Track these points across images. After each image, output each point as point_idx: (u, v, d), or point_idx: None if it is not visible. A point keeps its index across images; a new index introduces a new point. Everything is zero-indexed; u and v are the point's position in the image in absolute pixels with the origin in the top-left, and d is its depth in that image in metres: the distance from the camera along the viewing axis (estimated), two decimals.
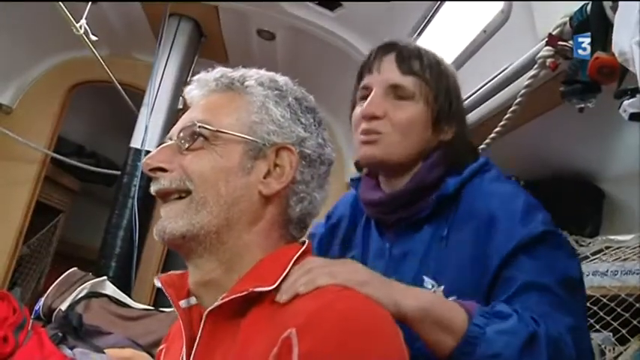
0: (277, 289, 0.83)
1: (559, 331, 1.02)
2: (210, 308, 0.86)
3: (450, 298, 1.08)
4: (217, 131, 0.90)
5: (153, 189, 0.92)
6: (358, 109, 1.31)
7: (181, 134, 0.92)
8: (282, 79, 0.99)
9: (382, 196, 1.32)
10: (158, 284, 0.97)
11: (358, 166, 1.43)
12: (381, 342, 0.76)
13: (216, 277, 0.90)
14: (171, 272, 0.99)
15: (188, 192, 0.89)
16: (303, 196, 0.95)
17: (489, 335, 0.96)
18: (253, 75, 0.97)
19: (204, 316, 0.87)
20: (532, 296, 1.07)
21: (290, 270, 0.87)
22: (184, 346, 0.90)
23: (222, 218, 0.88)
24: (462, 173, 1.25)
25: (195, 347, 0.88)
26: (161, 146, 0.94)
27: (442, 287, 1.16)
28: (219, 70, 0.98)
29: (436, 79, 1.28)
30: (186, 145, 0.91)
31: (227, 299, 0.84)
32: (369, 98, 1.28)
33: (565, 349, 1.01)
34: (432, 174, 1.26)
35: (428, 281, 1.19)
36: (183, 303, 0.95)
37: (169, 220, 0.89)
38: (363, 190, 1.38)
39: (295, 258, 0.89)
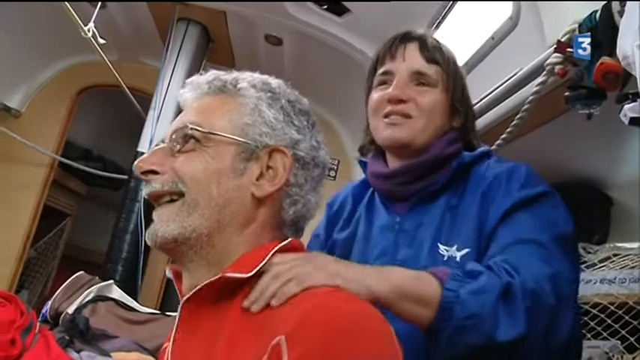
0: (253, 277, 0.84)
1: (536, 280, 1.02)
2: (187, 296, 0.86)
3: (462, 252, 1.18)
4: (209, 133, 0.90)
5: (145, 192, 0.92)
6: (376, 94, 1.36)
7: (173, 137, 0.92)
8: (275, 82, 0.99)
9: (399, 166, 1.35)
10: (169, 274, 0.97)
11: (362, 151, 1.48)
12: (371, 342, 0.75)
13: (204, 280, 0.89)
14: None
15: (180, 194, 0.88)
16: (296, 198, 0.94)
17: (463, 297, 0.97)
18: (246, 77, 0.97)
19: (180, 304, 0.88)
20: (519, 249, 1.10)
21: (268, 260, 0.87)
22: (172, 338, 0.91)
23: (214, 220, 0.88)
24: (473, 150, 1.33)
25: (173, 334, 0.89)
26: (153, 149, 0.94)
27: (455, 246, 1.20)
28: (212, 73, 0.98)
29: (453, 70, 1.35)
30: (178, 147, 0.90)
31: (200, 285, 0.84)
32: (394, 82, 1.32)
33: (543, 297, 1.01)
34: (450, 148, 1.31)
35: (442, 248, 1.22)
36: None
37: (161, 223, 0.89)
38: (373, 166, 1.41)
39: (275, 250, 0.89)
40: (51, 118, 4.29)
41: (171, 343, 0.91)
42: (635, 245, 2.12)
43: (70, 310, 2.43)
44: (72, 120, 4.44)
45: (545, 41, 1.75)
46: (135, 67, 4.30)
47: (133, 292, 3.04)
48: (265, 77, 0.99)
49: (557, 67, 1.52)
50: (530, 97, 1.65)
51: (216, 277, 0.83)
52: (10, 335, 1.85)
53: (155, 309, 2.95)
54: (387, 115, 1.32)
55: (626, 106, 1.17)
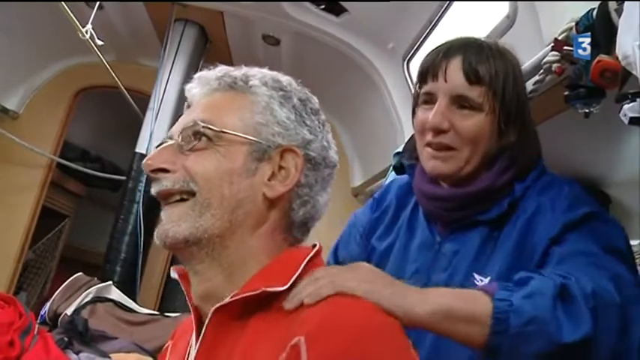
0: (289, 289, 0.82)
1: (595, 280, 0.98)
2: (217, 305, 0.83)
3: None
4: (221, 132, 0.88)
5: (154, 190, 0.90)
6: (421, 114, 1.29)
7: (183, 134, 0.89)
8: (285, 79, 0.97)
9: (448, 192, 1.29)
10: (174, 275, 0.96)
11: (406, 155, 1.43)
12: (388, 350, 0.75)
13: (216, 284, 0.87)
14: None
15: (192, 193, 0.86)
16: (306, 199, 0.92)
17: (517, 303, 0.93)
18: (256, 74, 0.95)
19: (210, 314, 0.84)
20: (571, 261, 1.06)
21: (302, 272, 0.85)
22: (194, 342, 0.88)
23: (226, 221, 0.86)
24: (525, 178, 1.25)
25: (198, 344, 0.86)
26: (161, 146, 0.91)
27: (488, 278, 1.17)
28: (222, 69, 0.96)
29: (503, 83, 1.24)
30: (189, 146, 0.88)
31: (238, 297, 0.81)
32: (434, 108, 1.24)
33: (605, 295, 0.96)
34: (503, 178, 1.25)
35: (478, 278, 1.19)
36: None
37: (172, 223, 0.87)
38: (421, 182, 1.35)
39: (307, 260, 0.88)
40: (49, 119, 4.29)
41: (195, 350, 0.87)
42: (633, 243, 2.12)
43: (69, 311, 2.43)
44: (70, 121, 4.44)
45: (542, 40, 1.75)
46: (132, 67, 4.30)
47: (131, 294, 3.05)
48: (275, 74, 0.97)
49: (554, 66, 1.51)
50: (528, 96, 1.65)
51: (258, 290, 0.80)
52: (9, 337, 1.85)
53: (154, 310, 2.95)
54: (429, 144, 1.26)
55: (626, 106, 1.16)
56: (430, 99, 1.27)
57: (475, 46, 1.27)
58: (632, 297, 1.00)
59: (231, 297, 0.82)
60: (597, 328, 0.93)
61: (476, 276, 1.19)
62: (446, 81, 1.24)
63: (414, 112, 1.34)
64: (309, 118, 0.94)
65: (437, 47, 1.32)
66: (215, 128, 0.88)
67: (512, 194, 1.24)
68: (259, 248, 0.89)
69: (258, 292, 0.80)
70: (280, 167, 0.90)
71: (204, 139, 0.88)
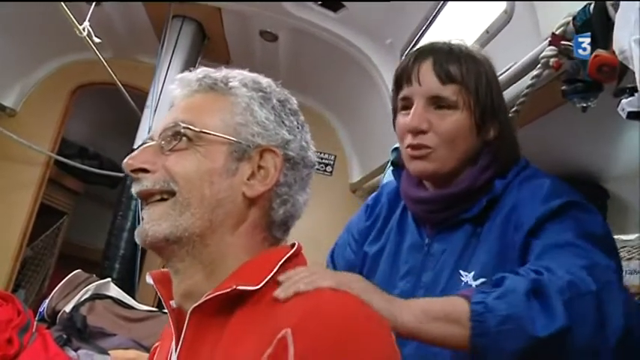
0: (261, 289, 0.83)
1: (570, 271, 0.99)
2: (193, 306, 0.84)
3: (478, 281, 1.17)
4: (202, 132, 0.89)
5: (134, 189, 0.91)
6: (401, 119, 1.32)
7: (163, 134, 0.91)
8: (265, 81, 0.98)
9: (431, 194, 1.34)
10: (150, 281, 0.96)
11: (396, 166, 1.47)
12: (375, 342, 0.76)
13: (197, 282, 0.89)
14: (165, 269, 0.98)
15: (172, 193, 0.87)
16: (285, 198, 0.93)
17: (491, 304, 0.96)
18: (237, 76, 0.96)
19: (187, 315, 0.86)
20: (550, 253, 1.08)
21: (277, 272, 0.86)
22: (174, 346, 0.89)
23: (206, 220, 0.87)
24: (506, 175, 1.29)
25: (180, 346, 0.87)
26: (142, 146, 0.92)
27: (472, 273, 1.21)
28: (202, 70, 0.97)
29: (475, 81, 1.28)
30: (170, 146, 0.89)
31: (210, 296, 0.82)
32: (411, 111, 1.28)
33: (580, 285, 0.98)
34: (483, 177, 1.29)
35: (463, 274, 1.22)
36: (173, 303, 0.94)
37: (152, 222, 0.88)
38: (407, 186, 1.40)
39: (283, 260, 0.88)
40: (46, 116, 4.29)
41: (176, 351, 0.88)
42: (631, 237, 2.12)
43: (68, 308, 2.43)
44: (68, 118, 4.44)
45: (539, 35, 1.75)
46: (130, 64, 4.30)
47: (130, 290, 3.05)
48: (255, 76, 0.98)
49: (551, 60, 1.51)
50: (525, 91, 1.65)
51: (228, 289, 0.81)
52: (7, 334, 1.85)
53: (153, 306, 2.95)
54: (409, 146, 1.30)
55: (624, 101, 1.17)
56: (408, 104, 1.31)
57: (445, 49, 1.32)
58: (608, 283, 1.01)
59: (206, 296, 0.83)
60: (573, 319, 0.95)
61: (461, 272, 1.23)
62: (420, 84, 1.28)
63: (394, 119, 1.38)
64: (288, 119, 0.95)
65: (407, 54, 1.39)
66: (195, 129, 0.89)
67: (492, 191, 1.27)
68: (239, 247, 0.90)
69: (229, 290, 0.81)
70: (260, 167, 0.91)
71: (184, 139, 0.89)
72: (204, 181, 0.87)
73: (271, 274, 0.85)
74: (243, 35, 3.79)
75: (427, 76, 1.28)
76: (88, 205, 5.73)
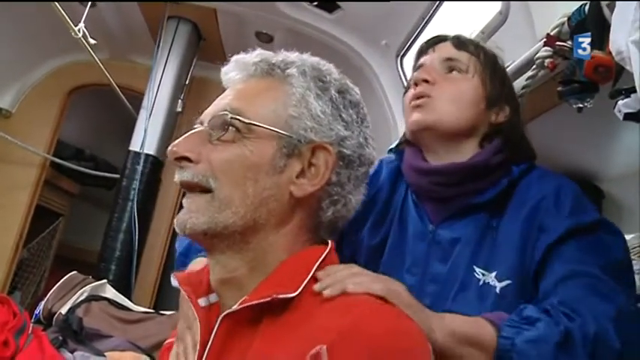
0: (300, 295, 0.79)
1: (598, 322, 0.97)
2: (226, 312, 0.80)
3: (504, 283, 1.10)
4: (251, 124, 0.84)
5: (177, 177, 0.86)
6: (410, 91, 1.29)
7: (212, 122, 0.86)
8: (326, 68, 0.92)
9: (443, 165, 1.24)
10: (175, 283, 0.92)
11: (397, 148, 1.39)
12: (412, 358, 0.73)
13: (238, 275, 0.85)
14: (189, 270, 0.95)
15: (210, 190, 0.83)
16: (337, 198, 0.88)
17: (520, 346, 0.93)
18: (296, 61, 0.91)
19: (219, 320, 0.81)
20: (571, 285, 1.04)
21: (313, 274, 0.82)
22: (199, 346, 0.84)
23: (249, 219, 0.82)
24: (519, 164, 1.23)
25: (207, 350, 0.82)
26: (189, 132, 0.87)
27: (494, 273, 1.13)
28: (260, 54, 0.92)
29: (491, 60, 1.30)
30: (217, 136, 0.84)
31: (247, 304, 0.78)
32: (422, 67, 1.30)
33: (608, 341, 0.96)
34: (497, 158, 1.22)
35: (478, 271, 1.15)
36: (202, 301, 0.89)
37: (190, 214, 0.83)
38: (412, 158, 1.30)
39: (319, 262, 0.84)
40: (42, 118, 4.27)
41: (204, 352, 0.83)
42: (627, 237, 2.12)
43: (64, 310, 2.43)
44: (63, 120, 4.42)
45: (534, 35, 1.76)
46: (126, 65, 4.28)
47: (126, 292, 3.05)
48: (316, 61, 0.93)
49: (547, 61, 1.52)
50: (521, 91, 1.66)
51: (268, 298, 0.77)
52: (3, 336, 1.85)
53: (149, 308, 2.95)
54: (412, 99, 1.26)
55: (621, 102, 1.16)
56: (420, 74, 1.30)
57: (464, 36, 1.35)
58: (631, 340, 0.99)
59: (240, 304, 0.79)
60: None
61: (476, 269, 1.15)
62: (435, 51, 1.31)
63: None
64: (347, 112, 0.90)
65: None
66: (244, 120, 0.84)
67: (509, 174, 1.21)
68: (281, 247, 0.86)
69: (268, 299, 0.77)
70: (310, 164, 0.86)
71: (232, 130, 0.84)
72: (248, 178, 0.83)
73: (308, 277, 0.82)
74: (238, 36, 3.79)
75: (443, 46, 1.31)
76: (84, 206, 5.71)
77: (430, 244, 1.23)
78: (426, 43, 1.36)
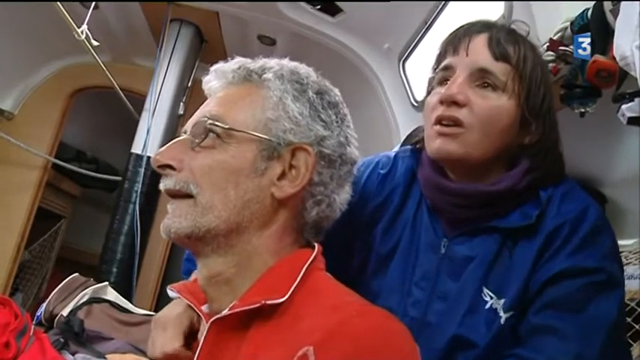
0: (288, 300, 0.79)
1: None
2: (214, 317, 0.82)
3: (508, 314, 1.04)
4: (230, 129, 0.85)
5: (161, 186, 0.88)
6: (434, 97, 1.11)
7: (194, 129, 0.87)
8: (304, 71, 0.93)
9: (467, 188, 1.12)
10: (173, 294, 0.94)
11: (411, 140, 1.28)
12: (398, 358, 0.73)
13: (225, 278, 0.86)
14: (181, 282, 0.96)
15: (191, 196, 0.84)
16: (320, 198, 0.89)
17: None
18: (273, 67, 0.91)
19: (207, 325, 0.83)
20: (548, 341, 0.99)
21: (301, 279, 0.82)
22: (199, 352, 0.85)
23: (232, 222, 0.84)
24: (546, 187, 1.10)
25: (197, 354, 0.83)
26: (173, 141, 0.89)
27: (502, 301, 1.05)
28: (238, 61, 0.93)
29: (531, 71, 1.09)
30: (197, 142, 0.86)
31: (236, 310, 0.79)
32: (451, 80, 1.09)
33: None
34: (524, 181, 1.09)
35: (487, 293, 1.07)
36: (205, 307, 0.90)
37: (174, 218, 0.85)
38: (428, 171, 1.17)
39: (307, 266, 0.84)
40: (44, 120, 4.28)
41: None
42: (629, 242, 2.12)
43: (65, 312, 2.42)
44: (65, 122, 4.43)
45: (537, 40, 1.76)
46: (128, 68, 4.30)
47: (127, 294, 3.04)
48: (294, 65, 0.94)
49: (549, 66, 1.52)
50: None
51: (257, 304, 0.78)
52: (5, 338, 1.84)
53: (150, 310, 2.95)
54: (437, 122, 1.08)
55: (624, 106, 1.16)
56: (447, 75, 1.11)
57: (504, 27, 1.15)
58: None
59: (230, 310, 0.80)
60: None
61: (486, 291, 1.07)
62: (467, 54, 1.09)
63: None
64: (326, 113, 0.91)
65: (458, 27, 1.20)
66: (223, 125, 0.86)
67: (538, 202, 1.08)
68: (266, 249, 0.86)
69: (257, 305, 0.78)
70: (291, 166, 0.87)
71: (213, 136, 0.86)
72: (229, 182, 0.84)
73: (296, 281, 0.82)
74: (241, 39, 3.80)
75: (478, 48, 1.09)
76: (86, 208, 5.71)
77: (442, 258, 1.14)
78: (457, 35, 1.15)
